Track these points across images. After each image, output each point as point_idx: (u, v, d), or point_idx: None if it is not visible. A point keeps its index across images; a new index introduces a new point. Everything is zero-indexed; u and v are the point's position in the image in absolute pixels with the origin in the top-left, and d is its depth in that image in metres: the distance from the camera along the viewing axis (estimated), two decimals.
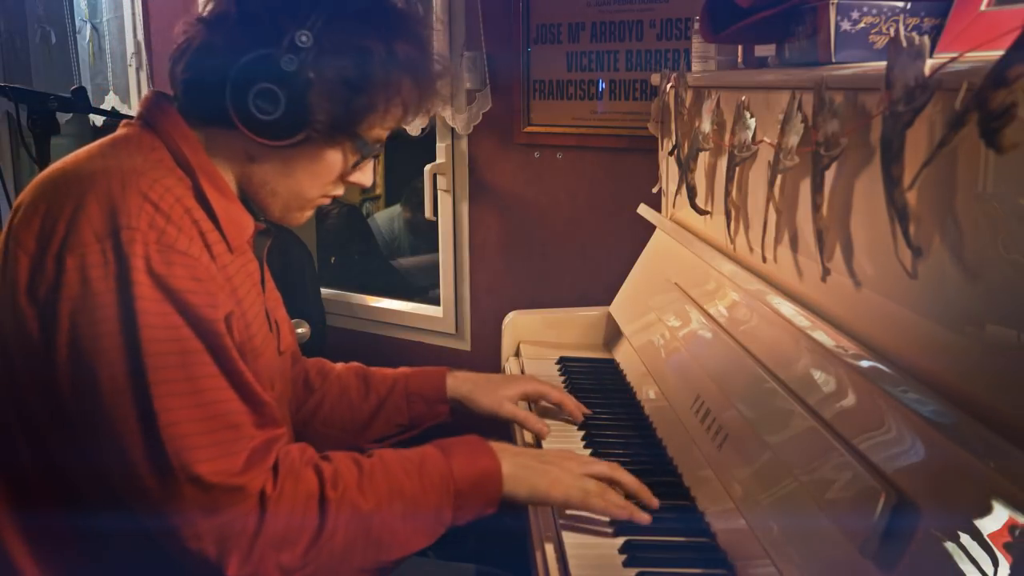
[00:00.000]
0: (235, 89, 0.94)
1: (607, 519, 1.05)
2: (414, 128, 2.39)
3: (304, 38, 0.93)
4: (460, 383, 1.32)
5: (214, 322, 0.92)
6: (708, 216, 1.45)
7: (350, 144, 1.02)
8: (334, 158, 1.02)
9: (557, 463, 1.07)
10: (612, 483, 1.06)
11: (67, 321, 0.87)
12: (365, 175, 1.07)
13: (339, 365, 1.37)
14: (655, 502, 1.06)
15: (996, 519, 0.64)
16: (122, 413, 0.87)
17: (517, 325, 1.79)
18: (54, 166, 0.98)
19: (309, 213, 1.09)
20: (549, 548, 1.01)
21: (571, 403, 1.37)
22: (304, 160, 1.01)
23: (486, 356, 2.37)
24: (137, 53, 2.94)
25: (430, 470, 1.01)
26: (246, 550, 0.90)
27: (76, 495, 0.96)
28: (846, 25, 1.07)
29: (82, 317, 0.87)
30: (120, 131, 1.02)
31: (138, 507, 0.91)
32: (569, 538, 1.02)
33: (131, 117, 1.05)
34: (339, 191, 1.07)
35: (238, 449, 0.91)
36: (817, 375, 0.98)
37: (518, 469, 1.04)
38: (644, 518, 1.03)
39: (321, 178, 1.04)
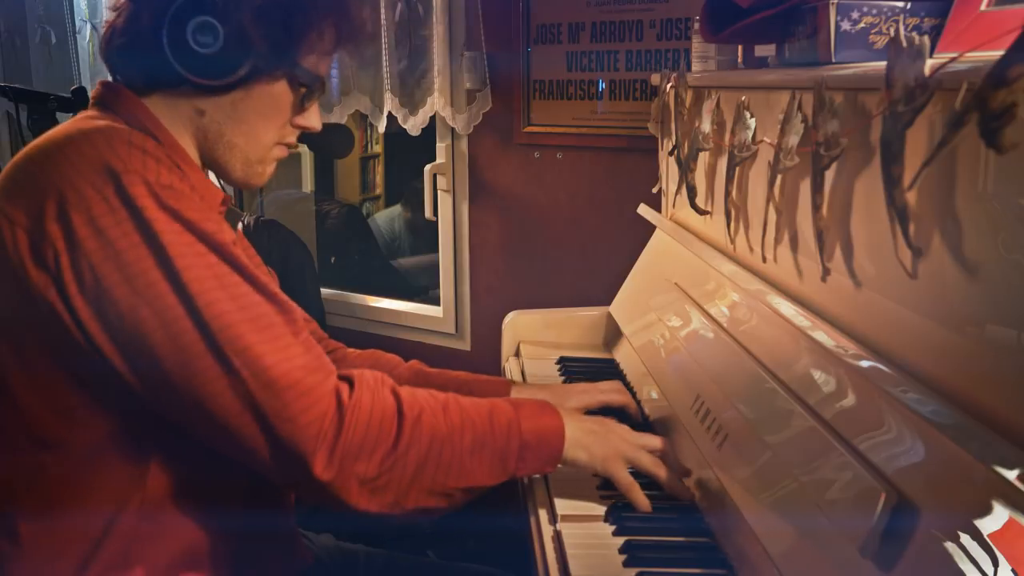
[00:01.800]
0: (172, 36, 0.97)
1: (607, 519, 1.06)
2: (414, 128, 2.39)
3: None
4: (526, 394, 1.31)
5: (228, 244, 0.94)
6: (708, 216, 1.45)
7: (294, 75, 1.04)
8: (280, 92, 1.05)
9: (618, 436, 1.11)
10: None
11: (90, 276, 0.88)
12: (313, 117, 1.10)
13: (396, 359, 1.39)
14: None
15: (996, 519, 0.64)
16: (182, 343, 0.89)
17: (517, 325, 1.79)
18: (26, 148, 0.99)
19: (271, 168, 1.12)
20: (549, 548, 1.01)
21: (634, 406, 1.36)
22: (252, 101, 1.03)
23: (486, 356, 2.37)
24: None
25: (499, 417, 1.04)
26: (328, 452, 0.92)
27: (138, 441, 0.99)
28: (846, 25, 1.07)
29: (106, 267, 0.88)
30: (80, 114, 1.04)
31: (220, 433, 0.92)
32: (569, 538, 1.02)
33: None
34: (292, 138, 1.10)
35: (294, 354, 0.93)
36: (817, 375, 0.98)
37: (582, 434, 1.08)
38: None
39: (273, 119, 1.06)
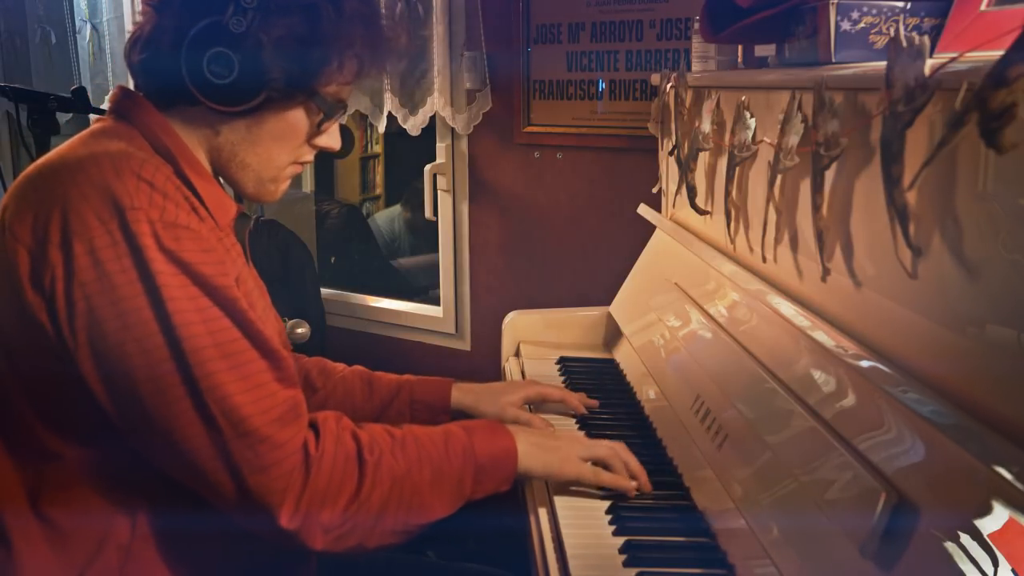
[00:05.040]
0: (190, 60, 0.96)
1: (607, 519, 1.05)
2: (414, 128, 2.39)
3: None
4: (464, 394, 1.34)
5: (228, 288, 0.94)
6: (708, 216, 1.45)
7: (311, 103, 1.03)
8: (297, 119, 1.03)
9: (568, 442, 1.15)
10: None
11: (83, 305, 0.88)
12: (332, 138, 1.09)
13: (341, 366, 1.38)
14: (648, 488, 1.13)
15: (996, 519, 0.64)
16: (164, 385, 0.89)
17: (517, 325, 1.79)
18: (38, 162, 0.99)
19: (284, 186, 1.10)
20: (549, 548, 1.01)
21: (573, 399, 1.40)
22: (268, 125, 1.02)
23: (486, 356, 2.37)
24: None
25: (454, 444, 1.06)
26: (295, 503, 0.93)
27: (104, 477, 0.98)
28: (846, 25, 1.07)
29: (100, 300, 0.88)
30: (95, 125, 1.04)
31: (191, 474, 0.93)
32: (569, 538, 1.02)
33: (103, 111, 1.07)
34: (308, 157, 1.09)
35: (272, 404, 0.94)
36: (817, 375, 0.98)
37: (532, 448, 1.11)
38: (646, 487, 1.12)
39: (287, 142, 1.05)
